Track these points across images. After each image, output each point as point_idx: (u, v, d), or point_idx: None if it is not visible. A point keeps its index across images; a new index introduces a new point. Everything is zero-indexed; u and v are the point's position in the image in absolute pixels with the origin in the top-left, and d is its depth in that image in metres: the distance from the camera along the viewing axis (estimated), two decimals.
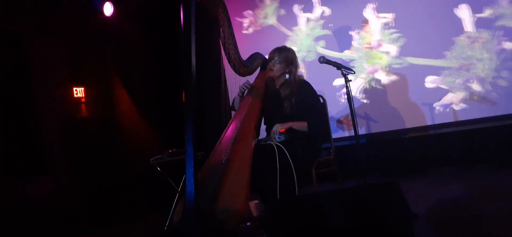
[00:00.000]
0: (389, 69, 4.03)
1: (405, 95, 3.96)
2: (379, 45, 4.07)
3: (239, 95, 2.90)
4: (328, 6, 4.37)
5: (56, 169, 3.82)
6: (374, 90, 4.11)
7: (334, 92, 4.28)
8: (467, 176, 3.50)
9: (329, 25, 4.36)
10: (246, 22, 4.85)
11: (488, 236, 2.00)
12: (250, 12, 4.83)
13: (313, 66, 4.39)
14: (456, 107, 3.74)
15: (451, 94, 3.75)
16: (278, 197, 2.35)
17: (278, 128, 2.62)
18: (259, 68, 2.93)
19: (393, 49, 4.01)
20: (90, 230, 3.82)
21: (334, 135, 3.53)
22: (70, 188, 3.82)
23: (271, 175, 2.38)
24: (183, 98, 2.13)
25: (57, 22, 3.96)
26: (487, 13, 3.58)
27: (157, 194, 3.94)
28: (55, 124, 3.90)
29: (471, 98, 3.67)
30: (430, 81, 3.84)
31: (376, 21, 4.09)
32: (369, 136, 4.16)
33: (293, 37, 4.56)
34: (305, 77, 2.95)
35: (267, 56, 2.85)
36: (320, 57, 2.77)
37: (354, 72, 2.89)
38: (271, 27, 4.70)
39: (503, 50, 3.52)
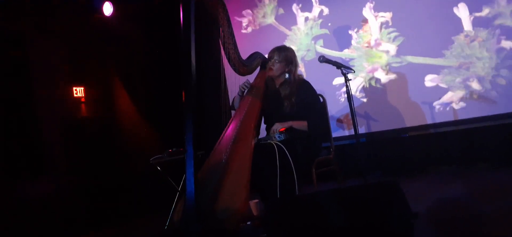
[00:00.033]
0: (389, 68, 4.03)
1: (404, 94, 3.97)
2: (379, 44, 4.07)
3: (239, 94, 2.90)
4: (326, 5, 4.37)
5: (56, 169, 3.82)
6: (373, 89, 4.12)
7: (334, 92, 4.28)
8: (467, 175, 3.50)
9: (328, 24, 4.36)
10: (245, 21, 4.85)
11: (488, 235, 2.00)
12: (249, 11, 4.83)
13: (313, 65, 4.40)
14: (455, 106, 3.74)
15: (450, 93, 3.76)
16: (278, 196, 2.35)
17: (278, 127, 2.62)
18: (258, 68, 2.93)
19: (393, 48, 4.01)
20: (90, 230, 3.82)
21: (334, 134, 3.53)
22: (70, 188, 3.82)
23: (271, 174, 2.38)
24: (183, 98, 2.14)
25: (57, 22, 3.96)
26: (485, 12, 3.58)
27: (157, 193, 3.94)
28: (55, 123, 3.90)
29: (471, 97, 3.67)
30: (430, 80, 3.84)
31: (375, 20, 4.09)
32: (369, 135, 4.16)
33: (292, 37, 4.56)
34: (305, 77, 2.95)
35: (266, 56, 2.85)
36: (320, 57, 2.77)
37: (354, 71, 2.90)
38: (270, 26, 4.70)
39: (502, 48, 3.53)
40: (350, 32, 4.22)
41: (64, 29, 4.02)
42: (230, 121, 2.73)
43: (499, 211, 2.28)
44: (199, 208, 2.05)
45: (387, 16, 4.03)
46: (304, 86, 2.77)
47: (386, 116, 4.06)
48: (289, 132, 2.60)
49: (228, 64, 2.71)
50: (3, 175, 3.39)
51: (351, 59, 4.20)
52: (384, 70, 4.06)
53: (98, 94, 4.34)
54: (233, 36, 2.65)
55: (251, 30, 4.82)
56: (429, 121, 3.85)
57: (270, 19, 4.70)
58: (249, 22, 4.83)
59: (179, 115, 2.29)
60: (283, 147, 2.45)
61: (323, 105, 3.01)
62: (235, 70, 2.74)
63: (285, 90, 2.76)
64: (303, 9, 4.50)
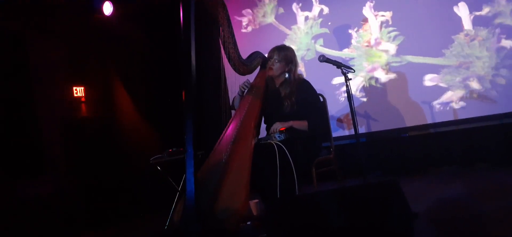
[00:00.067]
0: (389, 68, 4.03)
1: (404, 94, 3.97)
2: (378, 43, 4.07)
3: (239, 94, 2.90)
4: (326, 5, 4.36)
5: (56, 169, 3.82)
6: (373, 89, 4.12)
7: (334, 91, 4.28)
8: (467, 174, 3.51)
9: (328, 23, 4.36)
10: (245, 21, 4.85)
11: (488, 235, 2.00)
12: (249, 11, 4.83)
13: (313, 65, 4.39)
14: (455, 106, 3.74)
15: (450, 92, 3.76)
16: (278, 196, 2.35)
17: (278, 126, 2.62)
18: (259, 67, 2.92)
19: (392, 47, 4.01)
20: (90, 230, 3.82)
21: (334, 134, 3.53)
22: (70, 188, 3.83)
23: (271, 174, 2.38)
24: (183, 98, 2.13)
25: (57, 22, 3.96)
26: (485, 10, 3.58)
27: (157, 193, 3.94)
28: (55, 123, 3.90)
29: (471, 96, 3.67)
30: (429, 80, 3.84)
31: (375, 19, 4.09)
32: (369, 135, 4.16)
33: (292, 36, 4.56)
34: (305, 76, 2.95)
35: (266, 55, 2.85)
36: (320, 56, 2.76)
37: (354, 71, 2.89)
38: (269, 25, 4.70)
39: (502, 48, 3.53)
40: (350, 31, 4.22)
41: (64, 29, 4.02)
42: (230, 121, 2.72)
43: (499, 211, 2.28)
44: (199, 208, 2.05)
45: (387, 15, 4.03)
46: (304, 86, 2.77)
47: (386, 116, 4.05)
48: (289, 131, 2.60)
49: (228, 64, 2.70)
50: (3, 175, 3.39)
51: (351, 58, 4.20)
52: (384, 69, 4.06)
53: (98, 94, 4.34)
54: (233, 36, 2.64)
55: (251, 29, 4.82)
56: (429, 121, 3.85)
57: (270, 19, 4.70)
58: (249, 21, 4.83)
59: (179, 116, 2.29)
60: (283, 146, 2.45)
61: (323, 105, 3.01)
62: (235, 69, 2.73)
63: (285, 90, 2.75)
64: (303, 9, 4.50)
